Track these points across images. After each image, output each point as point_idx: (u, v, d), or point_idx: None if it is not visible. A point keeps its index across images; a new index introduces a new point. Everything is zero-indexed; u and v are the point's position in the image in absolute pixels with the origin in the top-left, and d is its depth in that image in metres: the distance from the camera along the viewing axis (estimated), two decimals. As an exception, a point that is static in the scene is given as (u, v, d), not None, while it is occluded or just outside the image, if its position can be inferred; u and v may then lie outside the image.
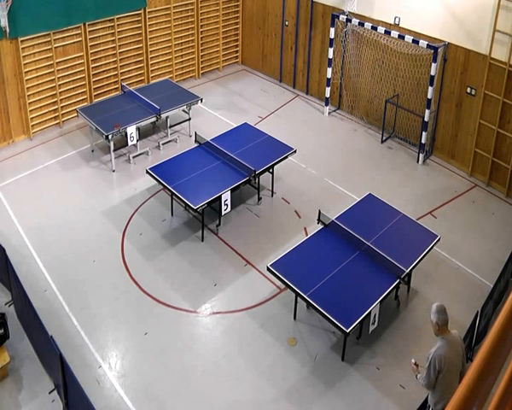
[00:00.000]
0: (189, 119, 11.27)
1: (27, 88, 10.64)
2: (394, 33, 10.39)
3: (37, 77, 10.82)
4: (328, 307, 6.30)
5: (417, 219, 8.41)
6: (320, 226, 7.67)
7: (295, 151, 9.51)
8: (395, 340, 6.89)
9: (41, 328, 5.76)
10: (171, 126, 11.13)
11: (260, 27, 14.11)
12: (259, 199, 9.45)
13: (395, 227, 7.67)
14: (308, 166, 10.45)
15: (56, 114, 11.37)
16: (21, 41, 10.27)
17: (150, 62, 12.85)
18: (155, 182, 8.88)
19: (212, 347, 6.76)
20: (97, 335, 6.85)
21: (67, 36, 11.07)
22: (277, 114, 12.45)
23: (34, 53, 10.63)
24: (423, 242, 7.38)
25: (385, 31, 10.53)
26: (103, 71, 12.01)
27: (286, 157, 9.39)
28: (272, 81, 14.07)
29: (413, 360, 5.28)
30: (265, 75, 14.35)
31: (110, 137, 9.72)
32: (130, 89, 11.22)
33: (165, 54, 13.17)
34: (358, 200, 8.41)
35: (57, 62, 11.02)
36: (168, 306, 7.32)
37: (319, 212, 7.72)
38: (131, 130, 9.95)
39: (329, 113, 12.51)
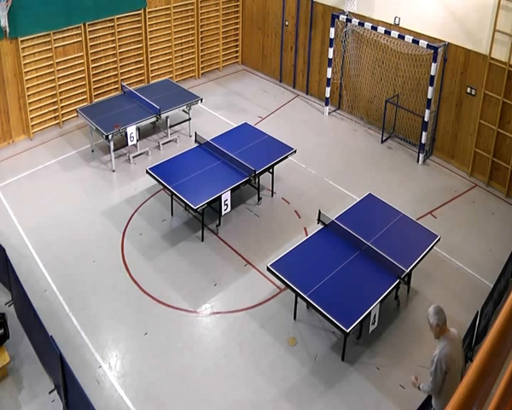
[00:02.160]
0: (189, 119, 11.27)
1: (27, 88, 10.64)
2: (394, 33, 10.39)
3: (37, 77, 10.82)
4: (328, 307, 6.29)
5: (417, 219, 8.41)
6: (320, 226, 7.67)
7: (295, 151, 9.51)
8: (395, 340, 6.88)
9: (41, 328, 5.76)
10: (171, 126, 11.13)
11: (260, 27, 14.11)
12: (259, 199, 9.44)
13: (395, 227, 7.67)
14: (308, 166, 10.45)
15: (56, 114, 11.38)
16: (21, 41, 10.27)
17: (150, 62, 12.85)
18: (155, 182, 8.88)
19: (212, 347, 6.76)
20: (97, 335, 6.85)
21: (67, 36, 11.07)
22: (277, 114, 12.45)
23: (34, 53, 10.63)
24: (423, 242, 7.38)
25: (385, 31, 10.53)
26: (103, 71, 12.02)
27: (286, 157, 9.39)
28: (272, 81, 14.07)
29: (413, 377, 5.25)
30: (265, 75, 14.35)
31: (110, 137, 9.72)
32: (130, 89, 11.23)
33: (165, 54, 13.17)
34: (358, 200, 8.41)
35: (57, 62, 11.02)
36: (168, 306, 7.32)
37: (319, 212, 7.72)
38: (131, 130, 9.95)
39: (329, 113, 12.51)
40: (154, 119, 10.48)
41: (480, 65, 9.59)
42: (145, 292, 7.52)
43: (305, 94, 13.40)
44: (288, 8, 13.13)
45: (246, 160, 8.87)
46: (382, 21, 10.99)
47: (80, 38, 11.27)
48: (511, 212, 9.39)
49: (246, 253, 8.26)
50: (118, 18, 11.79)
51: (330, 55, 11.91)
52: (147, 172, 8.84)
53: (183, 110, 11.06)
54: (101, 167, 10.23)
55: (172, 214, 9.02)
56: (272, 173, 9.37)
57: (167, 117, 10.86)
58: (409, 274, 7.06)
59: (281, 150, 9.44)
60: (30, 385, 6.15)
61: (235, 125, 10.58)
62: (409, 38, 10.16)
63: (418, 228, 7.73)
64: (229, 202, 8.32)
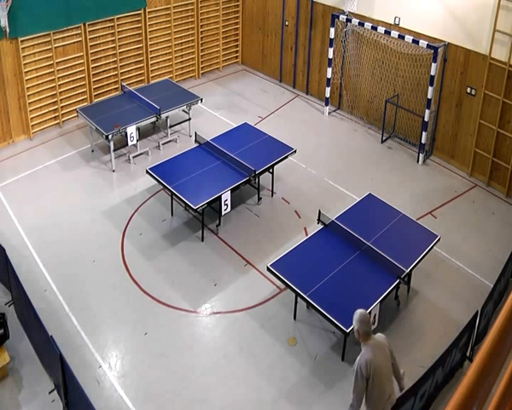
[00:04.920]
0: (189, 119, 11.27)
1: (27, 88, 10.64)
2: (394, 33, 10.39)
3: (37, 77, 10.82)
4: (328, 307, 6.30)
5: (417, 219, 8.41)
6: (320, 226, 7.67)
7: (295, 151, 9.51)
8: (395, 340, 6.87)
9: (41, 328, 5.76)
10: (171, 126, 11.13)
11: (260, 27, 14.11)
12: (259, 199, 9.44)
13: (395, 227, 7.67)
14: (308, 166, 10.45)
15: (56, 114, 11.37)
16: (21, 41, 10.27)
17: (150, 62, 12.85)
18: (155, 182, 8.88)
19: (212, 347, 6.76)
20: (97, 335, 6.85)
21: (67, 36, 11.07)
22: (277, 114, 12.45)
23: (34, 53, 10.63)
24: (423, 242, 7.37)
25: (385, 31, 10.52)
26: (103, 71, 12.02)
27: (286, 157, 9.39)
28: (272, 81, 14.07)
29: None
30: (265, 75, 14.35)
31: (110, 137, 9.72)
32: (130, 89, 11.23)
33: (165, 54, 13.17)
34: (358, 200, 8.40)
35: (57, 62, 11.02)
36: (168, 306, 7.32)
37: (319, 212, 7.72)
38: (131, 130, 9.95)
39: (329, 113, 12.51)
40: (154, 119, 10.48)
41: (480, 65, 9.59)
42: (145, 292, 7.52)
43: (305, 94, 13.40)
44: (288, 8, 13.13)
45: (246, 160, 8.87)
46: (382, 21, 10.99)
47: (80, 38, 11.27)
48: (511, 212, 9.39)
49: (246, 253, 8.26)
50: (118, 18, 11.79)
51: (330, 55, 11.90)
52: (147, 172, 8.84)
53: (183, 110, 11.06)
54: (101, 167, 10.23)
55: (172, 214, 9.02)
56: (272, 173, 9.37)
57: (167, 117, 10.86)
58: (409, 274, 7.06)
59: (281, 150, 9.44)
60: (30, 385, 6.15)
61: (235, 125, 10.58)
62: (409, 38, 10.15)
63: (418, 228, 7.73)
64: (229, 202, 8.32)
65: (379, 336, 5.11)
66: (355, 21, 11.04)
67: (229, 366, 6.51)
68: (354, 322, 4.91)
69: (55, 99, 11.23)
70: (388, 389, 4.97)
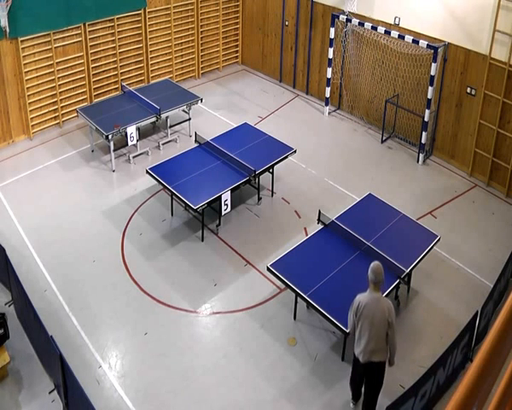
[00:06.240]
0: (189, 119, 11.27)
1: (27, 88, 10.64)
2: (394, 33, 10.39)
3: (37, 77, 10.82)
4: (328, 307, 6.30)
5: (417, 219, 8.42)
6: (320, 226, 7.67)
7: (295, 151, 9.51)
8: (395, 340, 6.87)
9: (41, 328, 5.76)
10: (171, 126, 11.13)
11: (260, 27, 14.11)
12: (259, 199, 9.44)
13: (395, 227, 7.67)
14: (308, 166, 10.45)
15: (56, 114, 11.37)
16: (21, 41, 10.27)
17: (150, 62, 12.85)
18: (155, 182, 8.88)
19: (212, 347, 6.76)
20: (97, 335, 6.85)
21: (67, 36, 11.07)
22: (277, 114, 12.45)
23: (34, 53, 10.63)
24: (423, 242, 7.38)
25: (385, 31, 10.52)
26: (103, 71, 12.02)
27: (286, 157, 9.39)
28: (272, 81, 14.07)
29: None
30: (265, 75, 14.35)
31: (110, 137, 9.72)
32: (130, 89, 11.22)
33: (165, 54, 13.17)
34: (358, 200, 8.41)
35: (57, 62, 11.02)
36: (168, 306, 7.32)
37: (319, 212, 7.72)
38: (131, 130, 9.95)
39: (329, 113, 12.51)
40: (154, 119, 10.48)
41: (480, 65, 9.59)
42: (145, 292, 7.52)
43: (305, 94, 13.40)
44: (288, 8, 13.13)
45: (246, 160, 8.87)
46: (382, 21, 10.99)
47: (80, 38, 11.27)
48: (511, 212, 9.39)
49: (246, 253, 8.26)
50: (118, 18, 11.79)
51: (330, 55, 11.91)
52: (147, 172, 8.84)
53: (183, 110, 11.06)
54: (101, 167, 10.23)
55: (172, 214, 9.02)
56: (272, 173, 9.37)
57: (167, 117, 10.86)
58: (409, 274, 7.06)
59: (281, 150, 9.44)
60: (30, 385, 6.15)
61: (235, 125, 10.58)
62: (409, 38, 10.16)
63: (418, 228, 7.73)
64: (229, 202, 8.32)
65: (386, 301, 5.38)
66: (355, 21, 11.04)
67: (229, 366, 6.51)
68: (369, 270, 5.35)
69: (55, 99, 11.23)
70: (370, 344, 5.34)
